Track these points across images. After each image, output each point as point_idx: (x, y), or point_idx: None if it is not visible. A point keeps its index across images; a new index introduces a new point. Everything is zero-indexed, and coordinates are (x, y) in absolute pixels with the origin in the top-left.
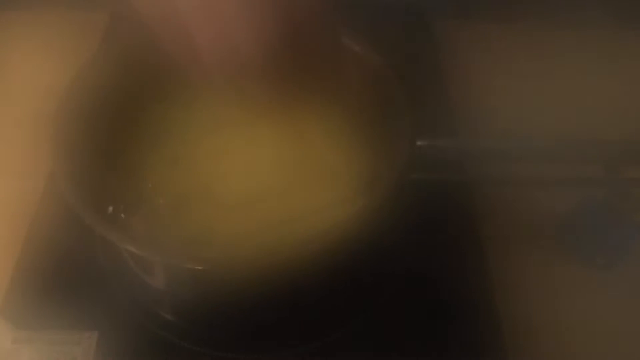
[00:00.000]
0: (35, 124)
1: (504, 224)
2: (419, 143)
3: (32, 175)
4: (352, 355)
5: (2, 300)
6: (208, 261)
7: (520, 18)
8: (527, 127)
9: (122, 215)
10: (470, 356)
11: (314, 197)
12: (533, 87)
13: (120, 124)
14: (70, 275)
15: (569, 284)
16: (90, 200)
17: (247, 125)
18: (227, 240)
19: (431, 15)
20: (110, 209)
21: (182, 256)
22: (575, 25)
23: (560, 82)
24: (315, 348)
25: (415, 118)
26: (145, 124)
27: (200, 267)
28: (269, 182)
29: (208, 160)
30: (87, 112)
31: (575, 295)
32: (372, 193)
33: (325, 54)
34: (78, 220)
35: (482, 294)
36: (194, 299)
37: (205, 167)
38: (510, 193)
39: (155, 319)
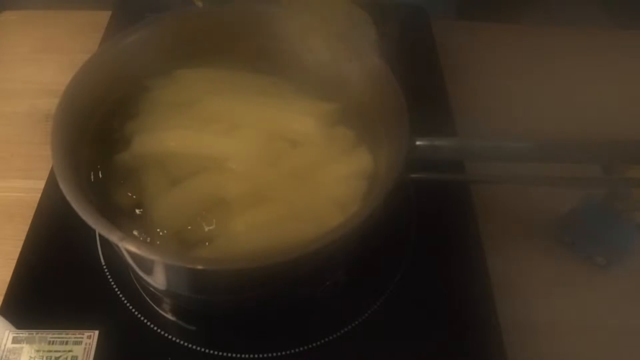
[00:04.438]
0: (36, 124)
1: (503, 224)
2: (419, 143)
3: (32, 175)
4: (352, 355)
5: (3, 300)
6: (208, 261)
7: (520, 18)
8: (526, 127)
9: (122, 214)
10: (470, 356)
11: (314, 197)
12: (533, 87)
13: (120, 123)
14: (71, 275)
15: (568, 283)
16: (91, 199)
17: (247, 126)
18: (227, 240)
19: (431, 15)
20: (111, 208)
21: (183, 256)
22: (575, 25)
23: (560, 82)
24: (315, 348)
25: (415, 118)
26: (146, 122)
27: (200, 267)
28: (268, 183)
29: (209, 161)
30: (87, 112)
31: (575, 294)
32: (372, 193)
33: None
34: (78, 220)
35: (482, 293)
36: (194, 299)
37: (205, 167)
38: (509, 192)
39: (156, 318)
